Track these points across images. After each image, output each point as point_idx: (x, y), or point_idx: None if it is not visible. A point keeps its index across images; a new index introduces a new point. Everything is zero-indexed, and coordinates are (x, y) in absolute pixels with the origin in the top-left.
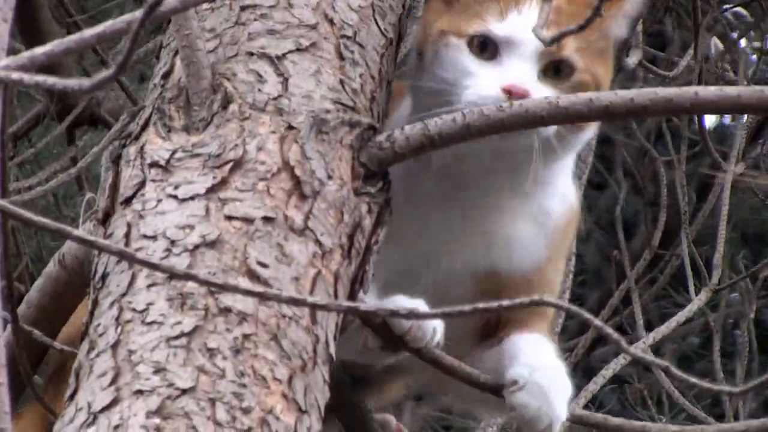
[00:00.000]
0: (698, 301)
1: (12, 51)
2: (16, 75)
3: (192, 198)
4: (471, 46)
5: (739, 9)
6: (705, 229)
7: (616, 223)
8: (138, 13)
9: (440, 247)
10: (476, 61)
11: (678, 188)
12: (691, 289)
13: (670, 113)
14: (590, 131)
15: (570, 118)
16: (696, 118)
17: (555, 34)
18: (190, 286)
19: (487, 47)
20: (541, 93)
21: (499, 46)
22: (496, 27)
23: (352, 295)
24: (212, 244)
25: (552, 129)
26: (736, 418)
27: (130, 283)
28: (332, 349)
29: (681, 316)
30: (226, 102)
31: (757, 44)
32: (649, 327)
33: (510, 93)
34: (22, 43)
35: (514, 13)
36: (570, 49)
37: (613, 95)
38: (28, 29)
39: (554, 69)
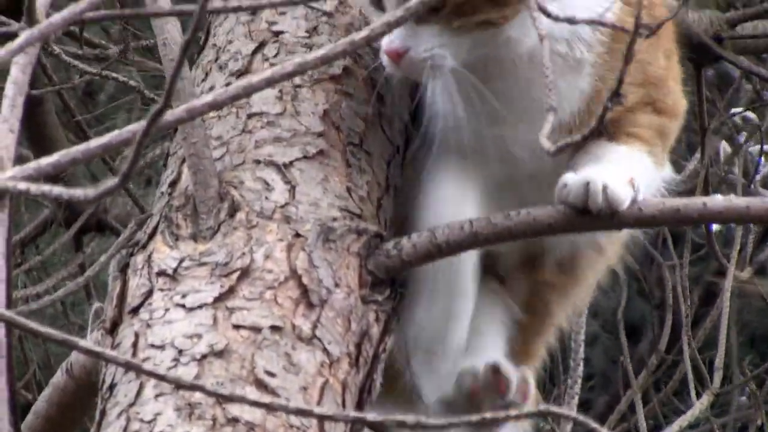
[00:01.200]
0: (700, 405)
1: (19, 157)
2: (22, 185)
3: (200, 307)
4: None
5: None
6: (712, 333)
7: (619, 327)
8: (143, 123)
9: None
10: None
11: (680, 292)
12: (692, 392)
13: (679, 224)
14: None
15: (577, 228)
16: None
17: (559, 144)
18: (198, 395)
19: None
20: (420, 41)
21: None
22: None
23: (360, 404)
24: (220, 354)
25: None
26: None
27: (138, 393)
28: None
29: (683, 420)
30: (234, 210)
31: None
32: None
33: (389, 57)
34: (29, 148)
35: None
36: None
37: None
38: (35, 135)
39: None
